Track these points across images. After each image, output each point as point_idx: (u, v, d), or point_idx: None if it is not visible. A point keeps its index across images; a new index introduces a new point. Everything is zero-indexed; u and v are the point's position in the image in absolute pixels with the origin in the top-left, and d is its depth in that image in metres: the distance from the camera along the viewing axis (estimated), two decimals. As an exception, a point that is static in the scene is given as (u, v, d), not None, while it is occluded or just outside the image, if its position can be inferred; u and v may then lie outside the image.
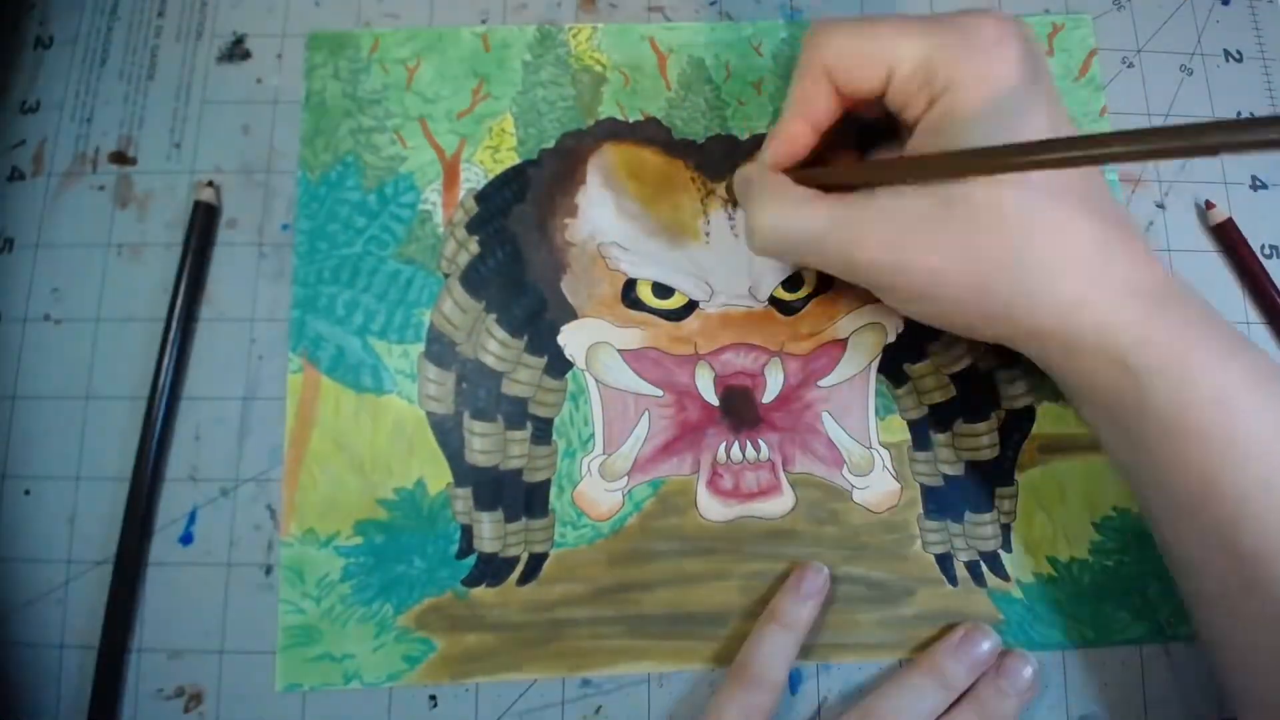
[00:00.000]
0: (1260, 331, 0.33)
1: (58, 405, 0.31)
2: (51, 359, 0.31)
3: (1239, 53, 0.35)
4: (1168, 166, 0.34)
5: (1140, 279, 0.24)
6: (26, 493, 0.30)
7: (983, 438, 0.31)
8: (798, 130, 0.27)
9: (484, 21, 0.35)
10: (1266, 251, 0.33)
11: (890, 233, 0.25)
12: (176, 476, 0.30)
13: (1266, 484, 0.23)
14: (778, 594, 0.30)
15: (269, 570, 0.30)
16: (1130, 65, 0.35)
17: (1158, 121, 0.34)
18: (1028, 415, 0.31)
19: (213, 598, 0.30)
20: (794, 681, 0.30)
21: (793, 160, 0.28)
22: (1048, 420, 0.31)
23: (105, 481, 0.30)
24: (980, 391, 0.31)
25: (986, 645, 0.29)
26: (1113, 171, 0.34)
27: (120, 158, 0.33)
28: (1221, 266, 0.34)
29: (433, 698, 0.29)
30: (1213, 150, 0.18)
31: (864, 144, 0.30)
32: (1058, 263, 0.24)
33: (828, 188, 0.27)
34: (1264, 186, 0.34)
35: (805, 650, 0.29)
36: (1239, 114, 0.35)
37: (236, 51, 0.34)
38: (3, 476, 0.30)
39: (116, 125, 0.33)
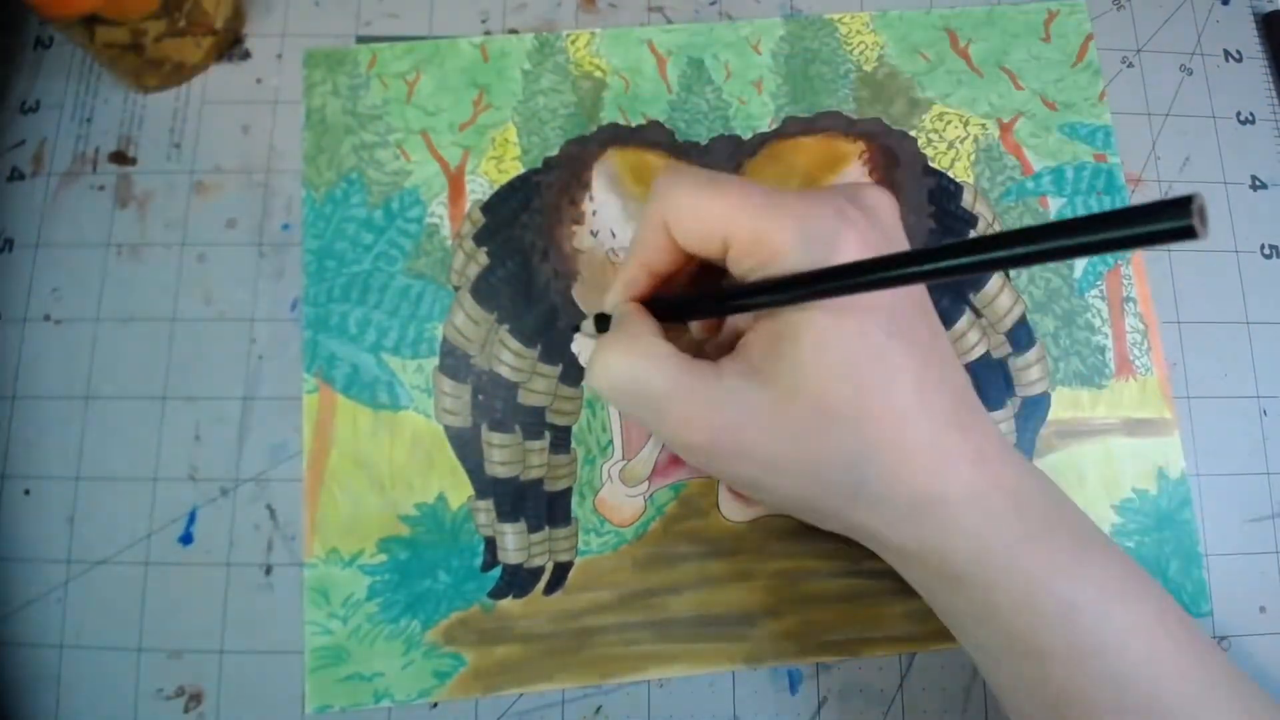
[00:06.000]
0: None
1: (58, 405, 0.31)
2: (51, 359, 0.31)
3: (1239, 53, 0.36)
4: (1169, 168, 0.34)
5: (979, 477, 0.23)
6: (26, 493, 0.30)
7: (999, 425, 0.31)
8: (636, 274, 0.26)
9: (484, 20, 0.35)
10: (1266, 251, 0.34)
11: (732, 416, 0.23)
12: (176, 476, 0.30)
13: (1117, 701, 0.21)
14: None
15: (269, 570, 0.30)
16: (1130, 65, 0.35)
17: (1157, 121, 0.35)
18: (1043, 401, 0.32)
19: (213, 598, 0.30)
20: (794, 681, 0.30)
21: (640, 298, 0.27)
22: (1063, 405, 0.32)
23: (105, 481, 0.30)
24: (995, 379, 0.32)
25: None
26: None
27: (120, 158, 0.33)
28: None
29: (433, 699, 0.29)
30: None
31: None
32: (893, 465, 0.22)
33: (681, 314, 0.26)
34: (1264, 186, 0.34)
35: (834, 646, 0.30)
36: (1237, 114, 0.35)
37: (236, 51, 0.34)
38: (3, 476, 0.30)
39: (116, 125, 0.33)
